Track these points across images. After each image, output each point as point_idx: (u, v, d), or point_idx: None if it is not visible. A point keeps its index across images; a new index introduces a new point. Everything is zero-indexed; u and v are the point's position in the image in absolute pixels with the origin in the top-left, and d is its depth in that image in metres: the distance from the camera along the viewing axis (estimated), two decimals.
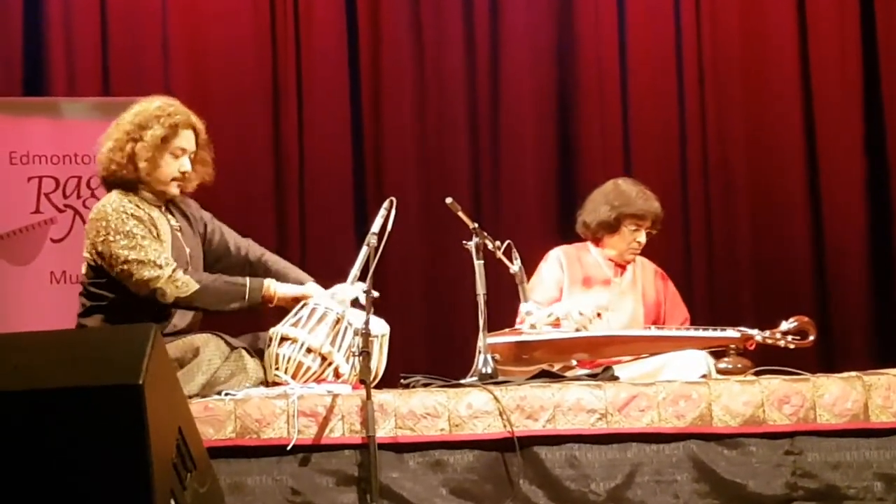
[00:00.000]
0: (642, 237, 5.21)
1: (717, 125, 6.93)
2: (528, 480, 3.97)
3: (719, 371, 4.73)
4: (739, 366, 4.74)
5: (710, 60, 6.94)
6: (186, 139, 4.37)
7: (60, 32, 6.58)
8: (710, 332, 4.87)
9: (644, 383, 4.22)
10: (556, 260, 5.25)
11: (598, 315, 4.95)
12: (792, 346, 4.81)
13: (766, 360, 4.77)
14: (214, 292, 4.25)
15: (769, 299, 6.66)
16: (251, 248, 4.57)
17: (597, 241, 5.28)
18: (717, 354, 4.84)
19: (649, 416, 4.05)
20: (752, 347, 4.82)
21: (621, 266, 5.26)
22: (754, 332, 4.82)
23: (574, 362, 4.84)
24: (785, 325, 4.84)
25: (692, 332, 4.93)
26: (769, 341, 4.82)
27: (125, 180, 4.31)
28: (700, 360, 4.73)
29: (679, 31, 6.95)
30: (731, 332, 4.83)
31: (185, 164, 4.37)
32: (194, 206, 4.57)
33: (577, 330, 4.87)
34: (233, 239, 4.58)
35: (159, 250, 4.24)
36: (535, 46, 6.92)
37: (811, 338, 4.83)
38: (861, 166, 6.93)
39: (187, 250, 4.37)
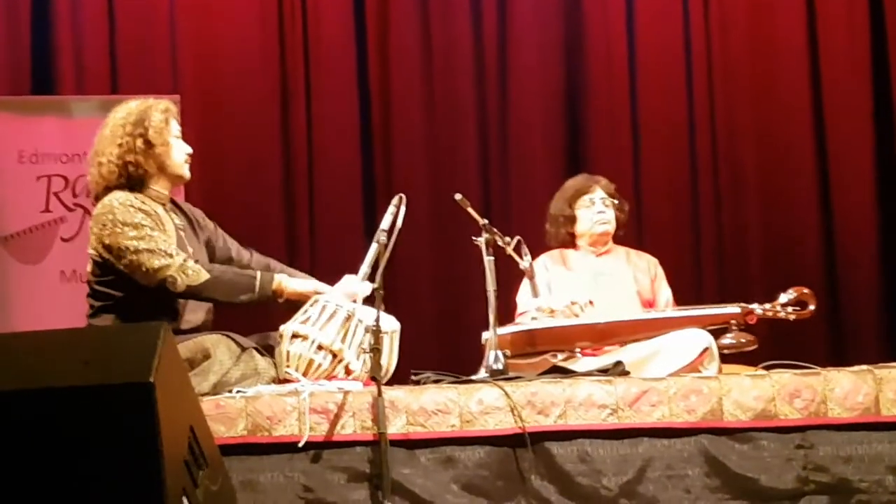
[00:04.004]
0: (599, 205, 5.23)
1: (726, 119, 6.92)
2: (540, 476, 3.97)
3: (723, 347, 4.72)
4: (743, 340, 4.74)
5: (719, 54, 6.93)
6: (176, 124, 4.41)
7: (69, 31, 6.59)
8: (711, 310, 4.87)
9: (654, 378, 4.22)
10: (541, 265, 5.24)
11: (591, 303, 4.95)
12: (792, 317, 4.82)
13: (775, 346, 4.76)
14: (225, 283, 4.24)
15: (779, 292, 6.64)
16: (255, 257, 4.58)
17: (574, 244, 5.29)
18: (720, 333, 4.83)
19: (660, 412, 4.05)
20: (754, 321, 4.81)
21: (603, 253, 5.24)
22: (754, 305, 4.81)
23: (578, 351, 4.84)
24: (784, 297, 4.84)
25: (693, 312, 4.92)
26: (769, 314, 4.82)
27: (139, 177, 4.30)
28: (700, 335, 4.71)
29: (687, 25, 6.95)
30: (732, 308, 4.83)
31: (186, 146, 4.41)
32: (199, 213, 4.59)
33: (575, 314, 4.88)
34: (235, 247, 4.58)
35: (168, 241, 4.24)
36: (543, 42, 6.91)
37: (811, 307, 4.83)
38: (871, 158, 6.92)
39: (190, 250, 4.36)
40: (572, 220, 5.27)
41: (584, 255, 5.26)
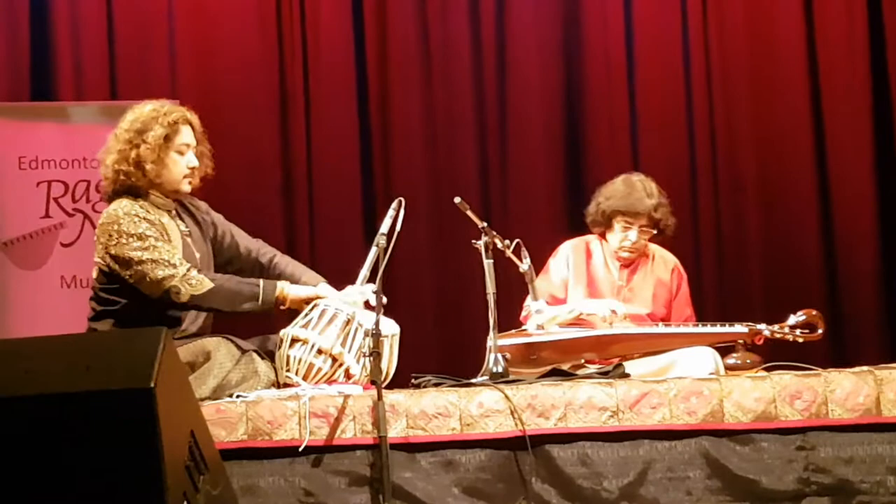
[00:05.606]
0: (633, 235, 5.07)
1: (725, 120, 6.92)
2: (541, 479, 3.97)
3: (728, 367, 4.71)
4: (748, 361, 4.72)
5: (718, 56, 6.93)
6: (187, 135, 4.39)
7: (67, 37, 6.59)
8: (718, 328, 4.84)
9: (655, 380, 4.22)
10: (564, 258, 5.19)
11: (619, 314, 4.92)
12: (800, 340, 4.79)
13: (775, 354, 4.76)
14: (228, 292, 4.25)
15: (779, 294, 6.65)
16: (262, 250, 4.57)
17: (602, 236, 5.25)
18: (726, 350, 4.82)
19: (661, 414, 4.05)
20: (761, 342, 4.80)
21: (629, 264, 5.20)
22: (762, 326, 4.79)
23: (583, 361, 4.83)
24: (793, 319, 4.81)
25: (700, 329, 4.90)
26: (777, 335, 4.79)
27: (135, 188, 4.31)
28: (708, 358, 4.71)
29: (686, 27, 6.94)
30: (739, 328, 4.80)
31: (191, 159, 4.38)
32: (204, 208, 4.57)
33: (605, 319, 4.85)
34: (244, 241, 4.57)
35: (172, 251, 4.24)
36: (542, 44, 6.91)
37: (819, 331, 4.80)
38: (870, 160, 6.91)
39: (197, 255, 4.37)
40: (605, 226, 5.16)
41: (609, 258, 5.19)
